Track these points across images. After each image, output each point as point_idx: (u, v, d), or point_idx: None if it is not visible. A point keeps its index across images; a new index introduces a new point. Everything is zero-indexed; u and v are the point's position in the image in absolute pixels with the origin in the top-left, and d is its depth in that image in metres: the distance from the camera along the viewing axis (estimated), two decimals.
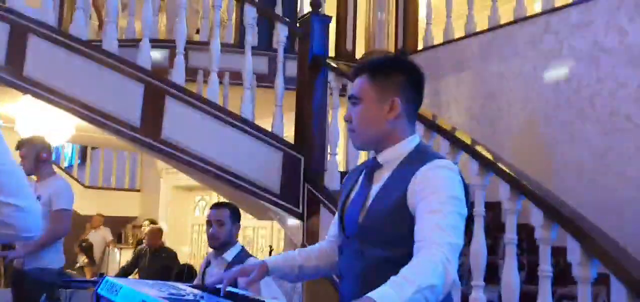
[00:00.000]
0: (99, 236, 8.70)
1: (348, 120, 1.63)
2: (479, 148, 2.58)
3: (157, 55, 5.01)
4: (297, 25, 4.26)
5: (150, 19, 4.01)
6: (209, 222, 2.98)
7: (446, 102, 4.96)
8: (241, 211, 3.13)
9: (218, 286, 1.57)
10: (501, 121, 4.43)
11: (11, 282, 4.12)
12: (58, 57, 3.58)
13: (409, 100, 1.61)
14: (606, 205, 3.43)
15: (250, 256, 3.06)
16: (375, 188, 1.59)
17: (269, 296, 2.64)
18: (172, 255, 6.39)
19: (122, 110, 3.65)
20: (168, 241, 7.67)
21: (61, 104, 3.59)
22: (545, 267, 2.18)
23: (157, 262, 6.09)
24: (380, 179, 1.60)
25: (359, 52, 6.03)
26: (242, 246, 3.10)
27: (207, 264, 3.09)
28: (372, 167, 1.64)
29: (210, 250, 3.09)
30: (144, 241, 6.59)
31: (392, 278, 1.24)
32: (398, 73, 1.62)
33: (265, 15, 4.41)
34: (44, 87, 3.53)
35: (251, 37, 4.03)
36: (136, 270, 6.22)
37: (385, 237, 1.52)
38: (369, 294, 1.18)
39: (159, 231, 6.51)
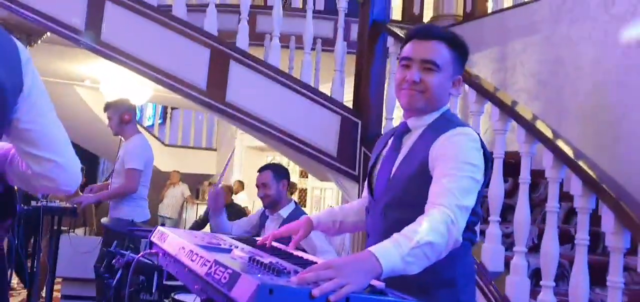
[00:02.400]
0: (177, 192, 9.22)
1: (418, 81, 1.58)
2: (534, 122, 2.52)
3: (227, 20, 5.20)
4: None
5: None
6: (257, 186, 3.14)
7: (512, 67, 4.85)
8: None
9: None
10: (568, 86, 4.29)
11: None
12: (131, 22, 3.81)
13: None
14: None
15: (304, 213, 3.20)
16: (402, 153, 1.66)
17: (320, 245, 2.79)
18: (240, 211, 6.70)
19: (189, 73, 3.84)
20: (240, 198, 8.03)
21: (134, 67, 3.83)
22: (582, 236, 2.16)
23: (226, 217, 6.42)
24: (408, 144, 1.66)
25: (427, 16, 5.97)
26: (296, 203, 3.24)
27: (264, 220, 3.25)
28: (402, 131, 1.70)
29: None
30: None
31: (394, 235, 1.32)
32: (464, 51, 1.66)
33: None
34: (119, 51, 3.78)
35: (312, 2, 4.10)
36: (208, 224, 6.59)
37: (408, 201, 1.58)
38: (370, 249, 1.26)
39: (229, 189, 6.84)
